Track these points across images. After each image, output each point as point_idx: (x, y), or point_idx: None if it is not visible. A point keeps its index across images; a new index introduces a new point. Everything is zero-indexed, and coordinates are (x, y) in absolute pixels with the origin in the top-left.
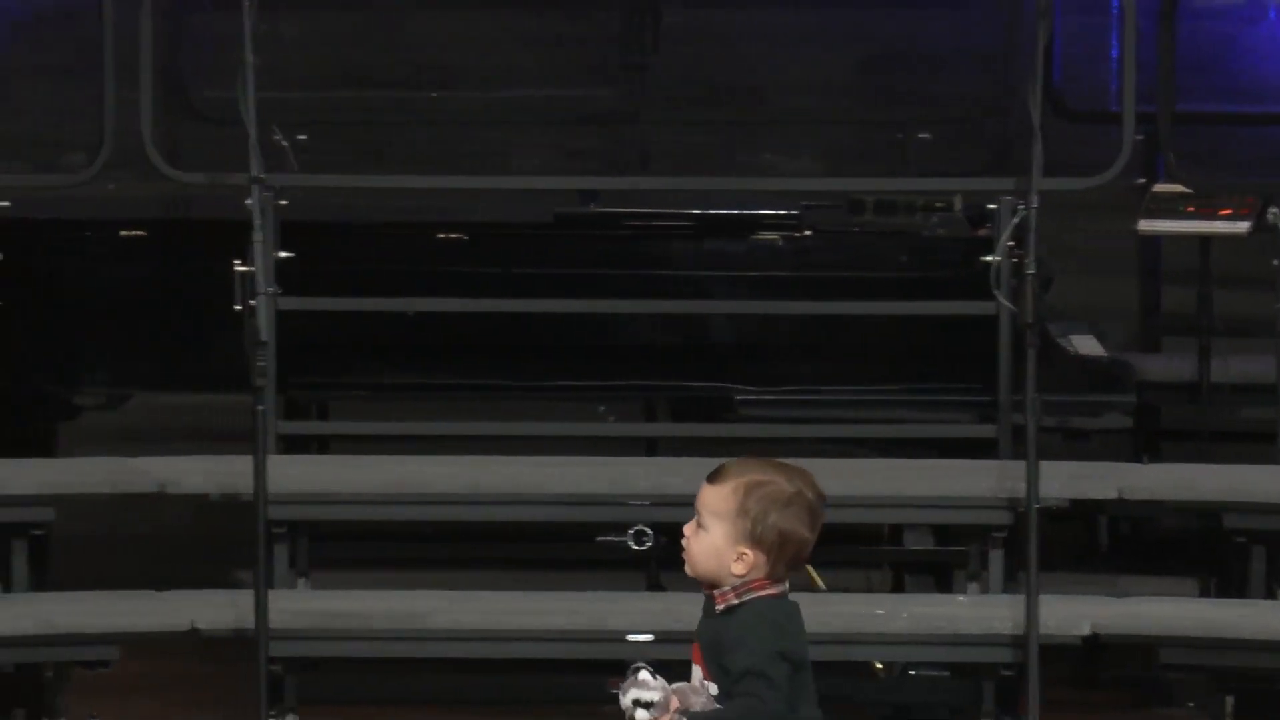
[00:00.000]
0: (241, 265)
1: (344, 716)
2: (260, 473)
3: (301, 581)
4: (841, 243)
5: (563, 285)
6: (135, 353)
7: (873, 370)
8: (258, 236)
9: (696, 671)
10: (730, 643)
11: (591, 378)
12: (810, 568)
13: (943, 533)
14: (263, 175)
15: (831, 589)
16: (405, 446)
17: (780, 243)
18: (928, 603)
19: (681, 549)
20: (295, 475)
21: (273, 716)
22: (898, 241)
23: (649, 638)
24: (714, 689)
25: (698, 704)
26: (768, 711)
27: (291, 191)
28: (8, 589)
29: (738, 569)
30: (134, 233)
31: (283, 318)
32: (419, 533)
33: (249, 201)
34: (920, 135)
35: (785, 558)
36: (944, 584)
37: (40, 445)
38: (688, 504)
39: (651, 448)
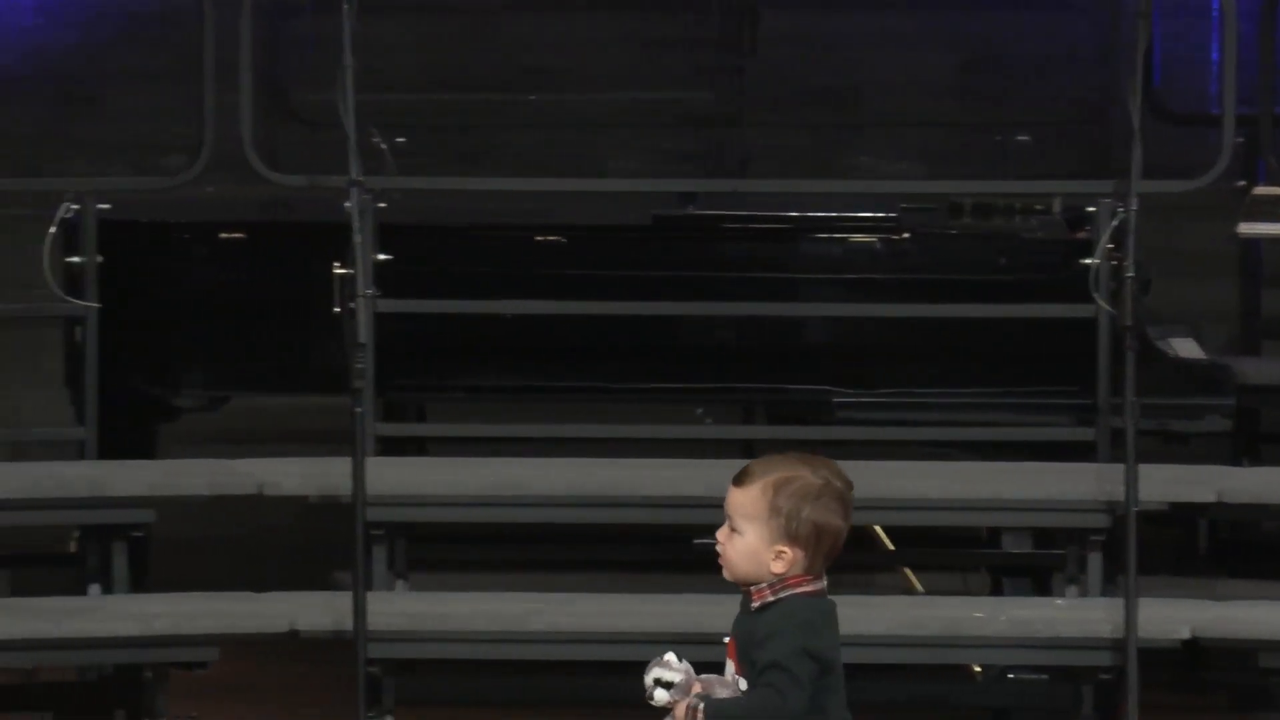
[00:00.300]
0: (340, 268)
1: (441, 717)
2: (359, 475)
3: (400, 583)
4: (939, 245)
5: (660, 288)
6: (234, 355)
7: (970, 373)
8: (357, 239)
9: (729, 667)
10: (761, 638)
11: (688, 380)
12: (908, 570)
13: (1041, 536)
14: (361, 178)
15: (929, 592)
16: (503, 448)
17: (878, 245)
18: (1026, 606)
19: (717, 555)
20: (393, 477)
21: (371, 717)
22: (996, 244)
23: None
24: (744, 684)
25: (721, 694)
26: (786, 706)
27: (390, 194)
28: (108, 590)
29: (777, 568)
30: (233, 235)
31: (381, 320)
32: (516, 535)
33: (348, 204)
34: (1019, 138)
35: (823, 550)
36: (1042, 587)
37: (140, 447)
38: None
39: (748, 450)
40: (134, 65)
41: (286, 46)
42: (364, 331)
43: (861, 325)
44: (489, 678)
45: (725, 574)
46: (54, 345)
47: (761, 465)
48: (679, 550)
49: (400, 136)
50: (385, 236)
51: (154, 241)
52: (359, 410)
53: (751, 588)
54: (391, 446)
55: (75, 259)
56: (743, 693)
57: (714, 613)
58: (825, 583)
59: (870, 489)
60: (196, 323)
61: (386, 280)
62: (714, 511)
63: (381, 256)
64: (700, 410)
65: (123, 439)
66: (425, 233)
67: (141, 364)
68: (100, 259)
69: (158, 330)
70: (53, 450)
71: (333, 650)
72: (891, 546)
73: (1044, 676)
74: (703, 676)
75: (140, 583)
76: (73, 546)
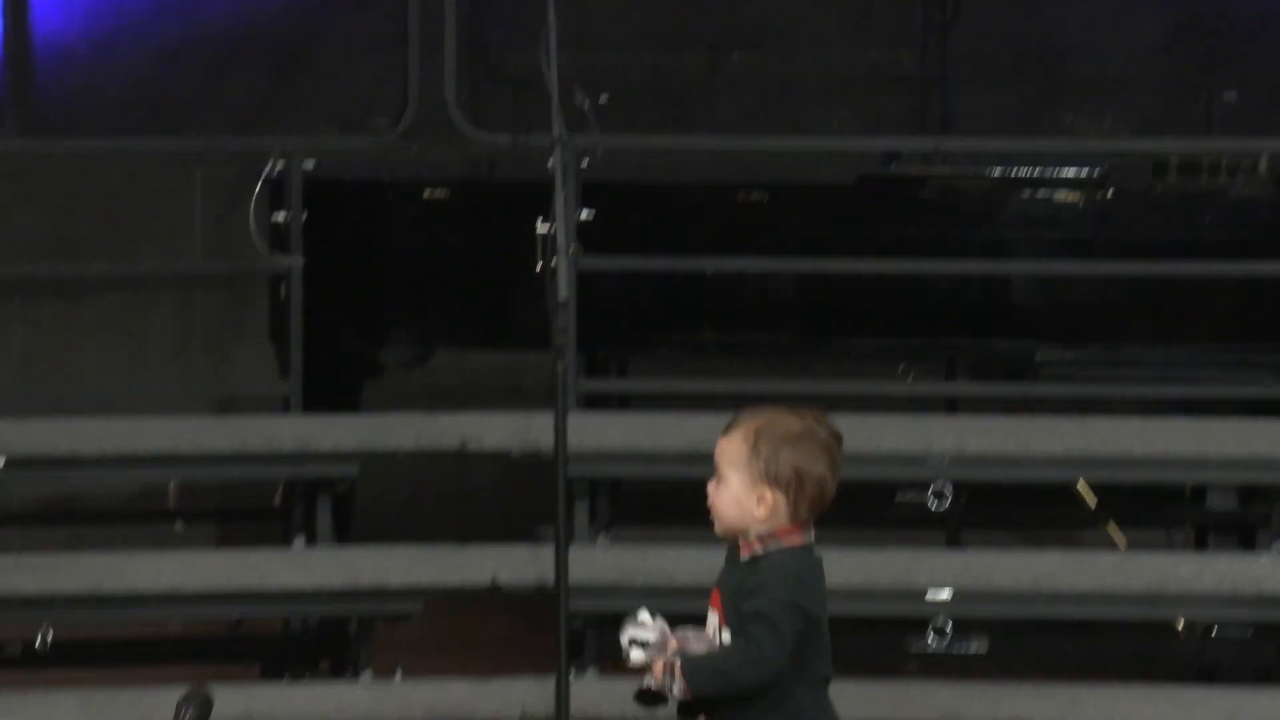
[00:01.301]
0: (543, 226)
1: (643, 670)
2: (561, 430)
3: (602, 537)
4: (1146, 203)
5: (863, 245)
6: (438, 311)
7: (1177, 330)
8: (559, 197)
9: (712, 618)
10: (749, 590)
11: (893, 337)
12: (1111, 525)
13: (1246, 492)
14: (565, 136)
15: (1133, 548)
16: (705, 405)
17: (1083, 203)
18: (1231, 562)
19: (708, 510)
20: (595, 432)
21: (573, 671)
22: (1202, 202)
23: (948, 595)
24: (726, 637)
25: (697, 649)
26: (765, 659)
27: (593, 152)
28: (313, 543)
29: (760, 512)
30: (437, 193)
31: (583, 277)
32: None
33: (551, 162)
34: (1225, 97)
35: (806, 498)
36: (1248, 543)
37: (345, 402)
38: (989, 463)
39: (952, 406)
40: (341, 26)
41: (490, 6)
42: (566, 288)
43: (1066, 282)
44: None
45: (716, 527)
46: (260, 302)
47: (746, 414)
48: (883, 505)
49: (603, 95)
50: (588, 194)
51: (358, 199)
52: (561, 366)
53: (740, 540)
54: (594, 402)
55: (280, 216)
56: (723, 645)
57: (919, 567)
58: (812, 537)
59: (1074, 445)
60: (400, 279)
61: (589, 238)
62: (917, 467)
63: (584, 214)
64: (903, 367)
65: (328, 394)
66: (628, 191)
67: (346, 320)
68: (305, 216)
69: (362, 286)
70: (259, 405)
71: (535, 604)
72: (1095, 503)
73: (1249, 632)
74: (678, 632)
75: (345, 536)
76: (278, 500)
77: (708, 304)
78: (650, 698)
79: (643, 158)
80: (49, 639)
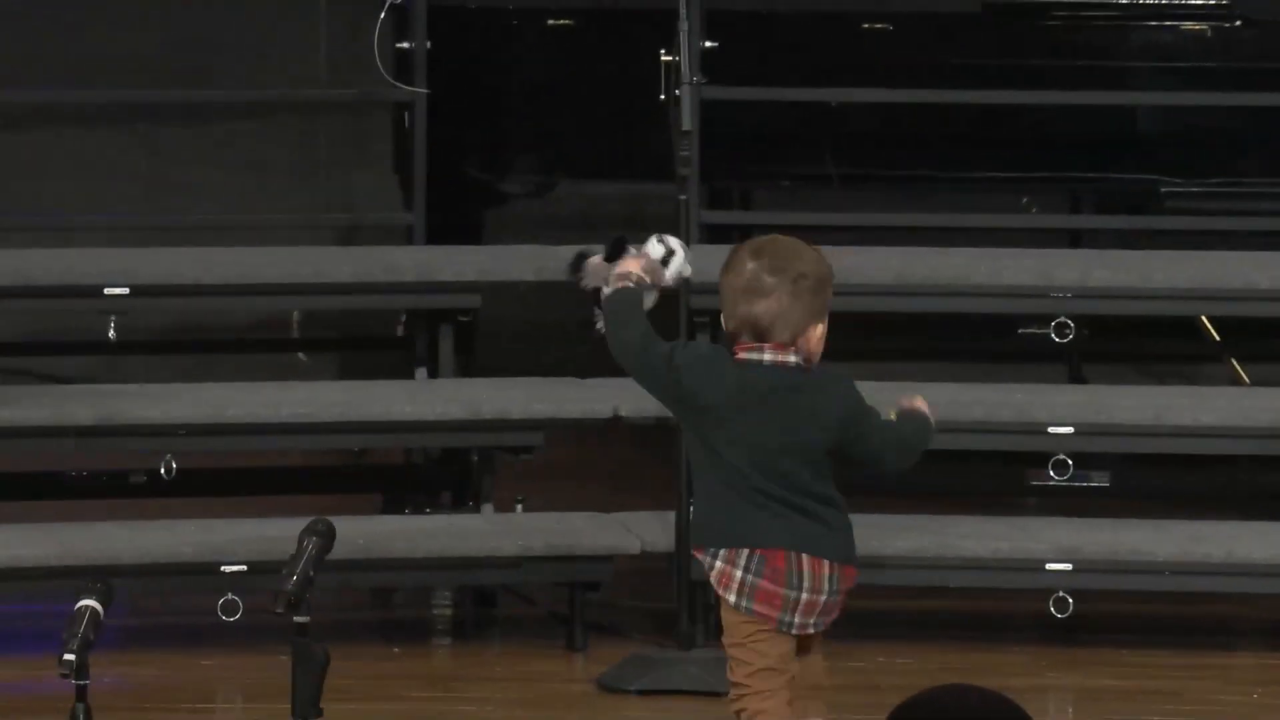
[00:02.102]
0: (667, 55)
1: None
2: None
3: None
4: (1272, 33)
5: (988, 76)
6: (561, 141)
7: None
8: (683, 26)
9: None
10: None
11: (1016, 169)
12: (1234, 360)
13: None
14: None
15: (1256, 383)
16: (829, 237)
17: (1209, 33)
18: None
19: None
20: (718, 264)
21: (693, 503)
22: None
23: (1070, 430)
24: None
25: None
26: (619, 332)
27: None
28: (435, 374)
29: None
30: (561, 21)
31: (707, 107)
32: (843, 323)
33: None
34: None
35: (728, 309)
36: None
37: (468, 232)
38: (1112, 297)
39: (1075, 240)
40: None
41: None
42: (689, 119)
43: (1192, 114)
44: None
45: None
46: (384, 131)
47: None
48: (1005, 339)
49: None
50: (712, 23)
51: (483, 28)
52: (684, 198)
53: None
54: (717, 234)
55: (405, 44)
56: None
57: (1040, 403)
58: (753, 354)
59: (1197, 279)
60: (524, 109)
61: (714, 67)
62: (1040, 301)
63: (708, 44)
64: (1027, 199)
65: (451, 224)
66: (752, 20)
67: (469, 150)
68: (429, 44)
69: (485, 116)
70: (382, 235)
71: (655, 435)
72: (1218, 337)
73: None
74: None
75: (467, 368)
76: (400, 330)
77: (831, 135)
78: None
79: None
80: (173, 468)
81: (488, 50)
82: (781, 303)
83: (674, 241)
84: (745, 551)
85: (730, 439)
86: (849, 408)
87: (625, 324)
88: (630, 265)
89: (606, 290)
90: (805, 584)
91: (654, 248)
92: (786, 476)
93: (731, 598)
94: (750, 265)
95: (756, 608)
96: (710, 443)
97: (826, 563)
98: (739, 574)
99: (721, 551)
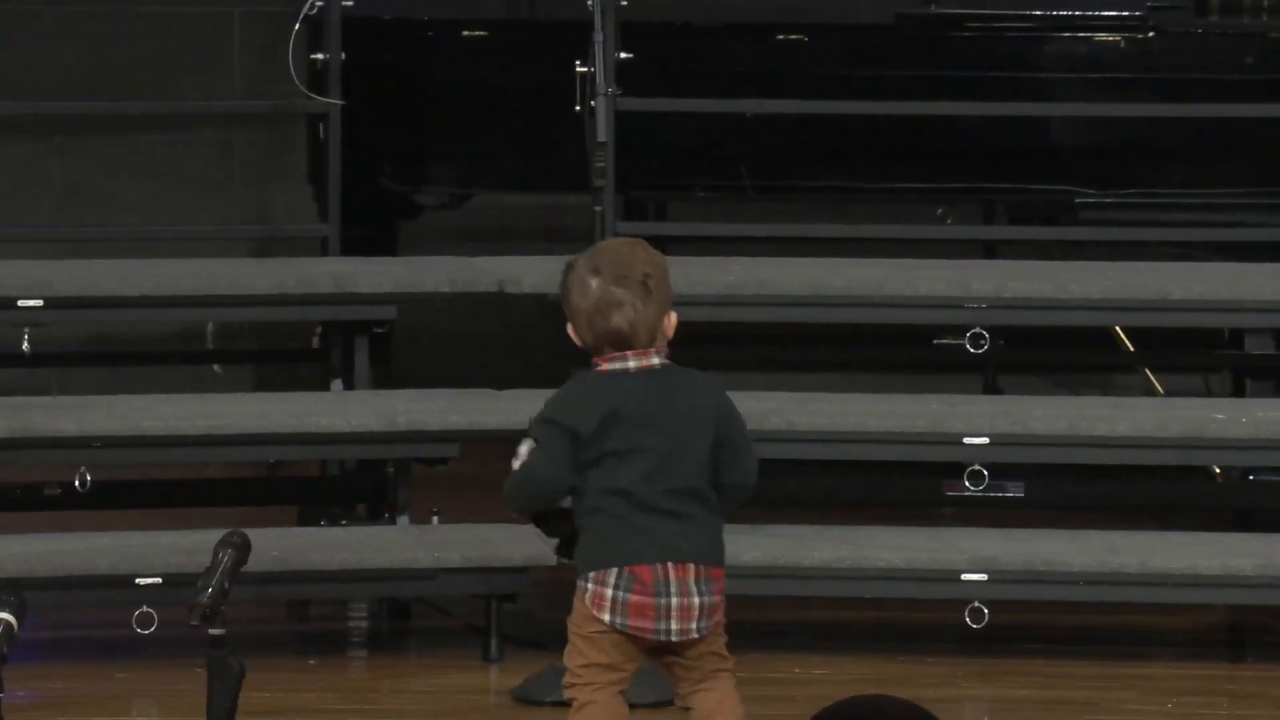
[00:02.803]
0: (582, 66)
1: None
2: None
3: None
4: (1186, 44)
5: (902, 87)
6: (477, 152)
7: (1215, 173)
8: (598, 37)
9: None
10: None
11: (931, 180)
12: (1149, 371)
13: None
14: None
15: (1170, 393)
16: (744, 248)
17: (1123, 44)
18: (1268, 407)
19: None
20: None
21: None
22: (1243, 42)
23: (986, 440)
24: None
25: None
26: (527, 466)
27: None
28: (351, 386)
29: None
30: (476, 32)
31: (622, 118)
32: (757, 334)
33: (590, 2)
34: None
35: (592, 329)
36: None
37: (383, 244)
38: (1027, 307)
39: (990, 251)
40: None
41: None
42: (605, 130)
43: (1105, 125)
44: None
45: None
46: (299, 142)
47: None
48: (920, 350)
49: None
50: (627, 35)
51: (398, 39)
52: (599, 209)
53: None
54: None
55: (320, 56)
56: None
57: (955, 413)
58: (611, 365)
59: (1111, 289)
60: (440, 120)
61: (629, 79)
62: (955, 311)
63: (623, 55)
64: (942, 210)
65: (367, 236)
66: (667, 31)
67: (385, 162)
68: (344, 56)
69: (401, 128)
70: (298, 247)
71: None
72: (1132, 348)
73: None
74: None
75: (383, 379)
76: (316, 342)
77: (746, 146)
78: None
79: None
80: (87, 480)
81: (403, 61)
82: (637, 309)
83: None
84: (614, 571)
85: (612, 453)
86: (720, 399)
87: (520, 484)
88: None
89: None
90: (673, 589)
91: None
92: (669, 479)
93: (606, 617)
94: (594, 282)
95: (631, 623)
96: (596, 464)
97: (691, 566)
98: (609, 592)
99: (591, 574)
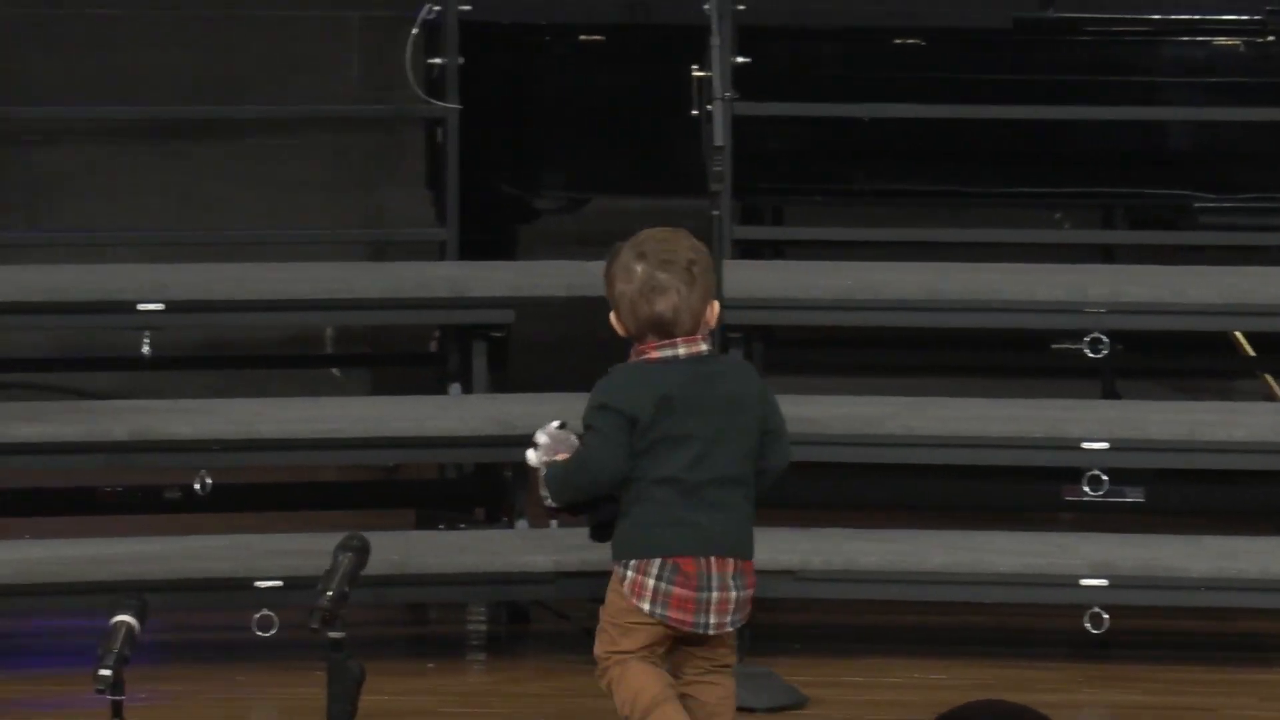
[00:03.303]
0: (699, 70)
1: (795, 520)
2: (716, 278)
3: None
4: None
5: (1021, 91)
6: (594, 157)
7: None
8: (715, 41)
9: None
10: None
11: (1048, 185)
12: (1269, 377)
13: None
14: None
15: None
16: (860, 252)
17: (1242, 48)
18: None
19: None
20: (750, 280)
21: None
22: None
23: (1104, 445)
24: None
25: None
26: (590, 454)
27: None
28: (468, 390)
29: (620, 332)
30: (593, 37)
31: (739, 123)
32: (874, 338)
33: (707, 6)
34: None
35: (636, 316)
36: None
37: (500, 248)
38: (1145, 312)
39: (1108, 255)
40: None
41: None
42: (721, 134)
43: (1223, 129)
44: (844, 480)
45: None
46: (416, 147)
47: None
48: (1037, 355)
49: None
50: (744, 38)
51: (515, 43)
52: (716, 213)
53: None
54: (749, 250)
55: (437, 60)
56: None
57: (1074, 418)
58: (651, 354)
59: (1229, 294)
60: (556, 125)
61: (745, 83)
62: (1072, 316)
63: (740, 59)
64: (1059, 215)
65: (483, 240)
66: (784, 35)
67: (502, 166)
68: (462, 60)
69: (518, 132)
70: (415, 251)
71: None
72: (1252, 352)
73: None
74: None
75: (500, 383)
76: (433, 346)
77: (863, 150)
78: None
79: (799, 2)
80: (207, 484)
81: (520, 65)
82: (681, 294)
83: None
84: (658, 561)
85: (662, 440)
86: (760, 385)
87: (574, 473)
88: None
89: (546, 499)
90: (714, 583)
91: (530, 453)
92: (715, 467)
93: (645, 606)
94: (640, 267)
95: (672, 615)
96: (645, 453)
97: (730, 561)
98: (651, 582)
99: (632, 562)
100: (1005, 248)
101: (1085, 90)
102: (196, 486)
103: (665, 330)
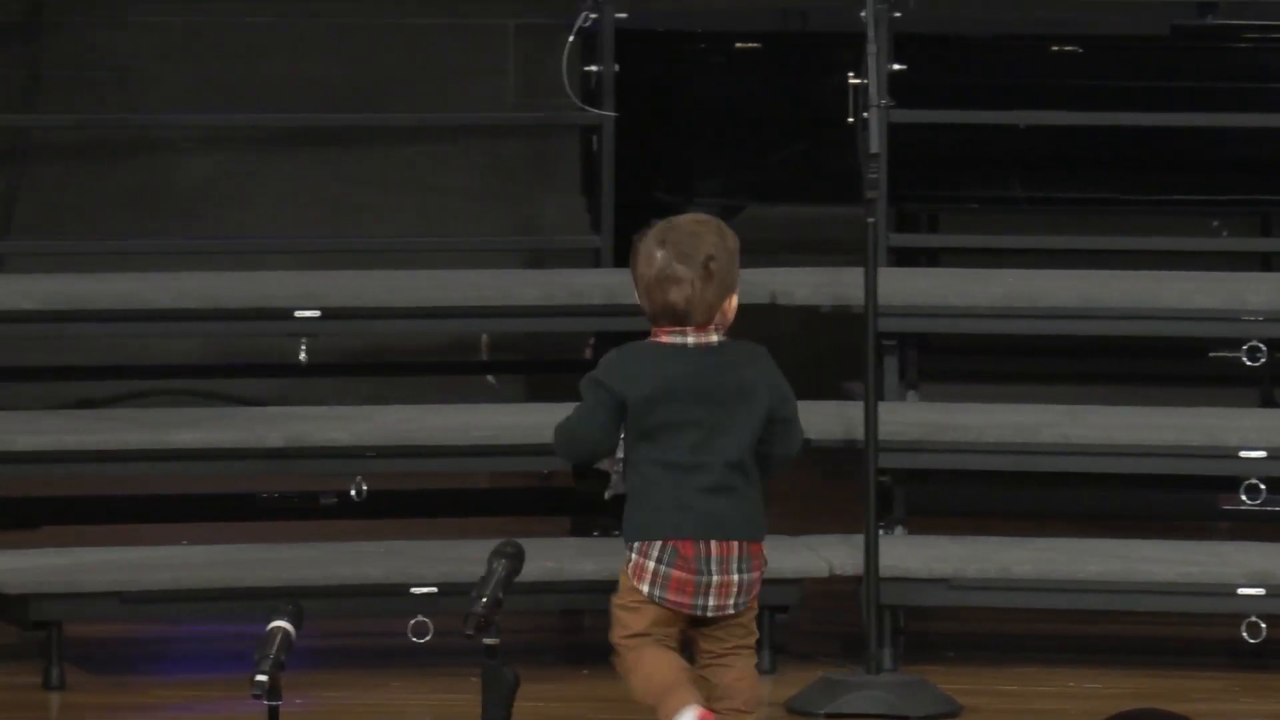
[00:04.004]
0: (855, 78)
1: (949, 528)
2: (871, 285)
3: (910, 394)
4: None
5: (1177, 98)
6: (748, 164)
7: None
8: (871, 49)
9: None
10: None
11: (1205, 192)
12: None
13: None
14: None
15: None
16: (1015, 260)
17: None
18: None
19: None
20: (905, 288)
21: (881, 527)
22: None
23: (1262, 454)
24: None
25: None
26: (571, 418)
27: (905, 4)
28: None
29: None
30: (748, 45)
31: (895, 130)
32: (1028, 347)
33: (863, 14)
34: None
35: (652, 300)
36: None
37: None
38: None
39: (1267, 263)
40: None
41: None
42: (877, 142)
43: None
44: (998, 489)
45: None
46: (571, 154)
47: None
48: (1194, 363)
49: None
50: (900, 46)
51: (670, 51)
52: (872, 220)
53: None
54: (904, 257)
55: (593, 68)
56: None
57: (1231, 427)
58: (680, 338)
59: None
60: (711, 132)
61: (901, 90)
62: (1230, 324)
63: (896, 66)
64: (1216, 223)
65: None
66: (940, 42)
67: (655, 173)
68: (617, 68)
69: (673, 139)
70: (569, 258)
71: (843, 459)
72: None
73: None
74: None
75: None
76: (587, 353)
77: (1018, 158)
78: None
79: (954, 9)
80: (363, 490)
81: (675, 73)
82: (695, 288)
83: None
84: (658, 544)
85: (664, 426)
86: (774, 374)
87: (559, 431)
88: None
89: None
90: (714, 567)
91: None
92: (717, 452)
93: (644, 589)
94: (659, 254)
95: (670, 597)
96: (647, 437)
97: (735, 544)
98: (651, 565)
99: (636, 545)
100: (1162, 256)
101: (1243, 97)
102: (352, 493)
103: (678, 319)
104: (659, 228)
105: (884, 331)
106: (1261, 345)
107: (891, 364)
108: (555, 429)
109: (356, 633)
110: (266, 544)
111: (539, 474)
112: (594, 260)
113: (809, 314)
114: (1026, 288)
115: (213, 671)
